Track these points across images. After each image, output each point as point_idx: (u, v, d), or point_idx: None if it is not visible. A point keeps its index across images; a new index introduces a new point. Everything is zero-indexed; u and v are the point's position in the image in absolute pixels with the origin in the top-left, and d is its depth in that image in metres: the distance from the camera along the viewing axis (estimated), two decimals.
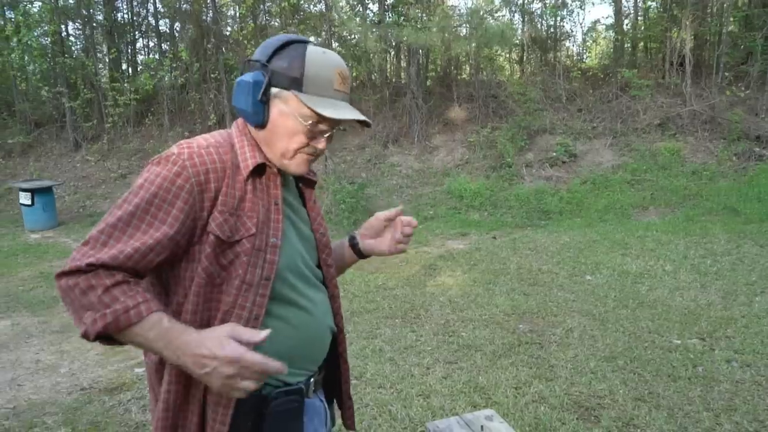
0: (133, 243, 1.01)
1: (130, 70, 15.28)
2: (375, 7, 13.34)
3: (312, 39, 1.09)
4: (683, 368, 3.36)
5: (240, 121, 1.19)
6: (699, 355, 3.55)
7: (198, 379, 1.02)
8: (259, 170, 1.14)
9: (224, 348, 0.95)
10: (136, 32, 15.81)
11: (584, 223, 8.19)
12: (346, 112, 1.10)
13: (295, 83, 1.09)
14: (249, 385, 0.97)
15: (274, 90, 1.10)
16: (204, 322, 1.08)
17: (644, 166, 9.56)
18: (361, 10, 13.32)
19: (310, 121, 1.10)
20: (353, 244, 1.41)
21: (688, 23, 10.68)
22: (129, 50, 15.66)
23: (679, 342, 3.77)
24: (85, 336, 0.98)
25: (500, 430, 1.90)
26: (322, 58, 1.11)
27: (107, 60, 14.36)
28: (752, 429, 2.70)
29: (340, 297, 1.33)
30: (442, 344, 3.92)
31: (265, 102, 1.10)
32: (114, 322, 0.96)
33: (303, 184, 1.29)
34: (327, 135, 1.14)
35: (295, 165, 1.14)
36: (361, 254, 1.41)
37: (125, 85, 12.80)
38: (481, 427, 1.91)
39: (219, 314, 1.08)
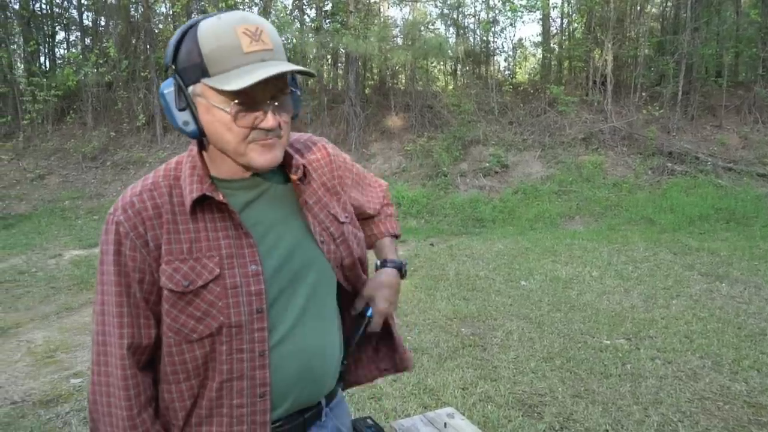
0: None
1: (48, 63, 14.41)
2: (312, 13, 13.36)
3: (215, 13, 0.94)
4: (614, 366, 3.62)
5: (192, 143, 1.04)
6: (626, 353, 3.83)
7: None
8: (204, 201, 0.98)
9: None
10: (56, 25, 14.95)
11: (516, 231, 8.55)
12: (260, 73, 0.86)
13: (200, 70, 0.90)
14: None
15: (190, 89, 0.93)
16: (199, 379, 1.00)
17: (570, 178, 10.13)
18: (298, 14, 13.29)
19: (233, 103, 0.90)
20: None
21: (609, 45, 11.46)
22: (48, 43, 14.77)
23: (608, 342, 4.05)
24: None
25: (462, 426, 1.99)
26: (215, 27, 0.90)
27: (23, 53, 13.47)
28: (676, 419, 2.95)
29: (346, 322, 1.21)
30: None
31: (186, 107, 0.94)
32: None
33: (299, 180, 1.08)
34: (268, 109, 0.92)
35: (256, 158, 0.94)
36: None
37: (44, 80, 12.05)
38: (445, 424, 1.99)
39: (217, 365, 0.98)
